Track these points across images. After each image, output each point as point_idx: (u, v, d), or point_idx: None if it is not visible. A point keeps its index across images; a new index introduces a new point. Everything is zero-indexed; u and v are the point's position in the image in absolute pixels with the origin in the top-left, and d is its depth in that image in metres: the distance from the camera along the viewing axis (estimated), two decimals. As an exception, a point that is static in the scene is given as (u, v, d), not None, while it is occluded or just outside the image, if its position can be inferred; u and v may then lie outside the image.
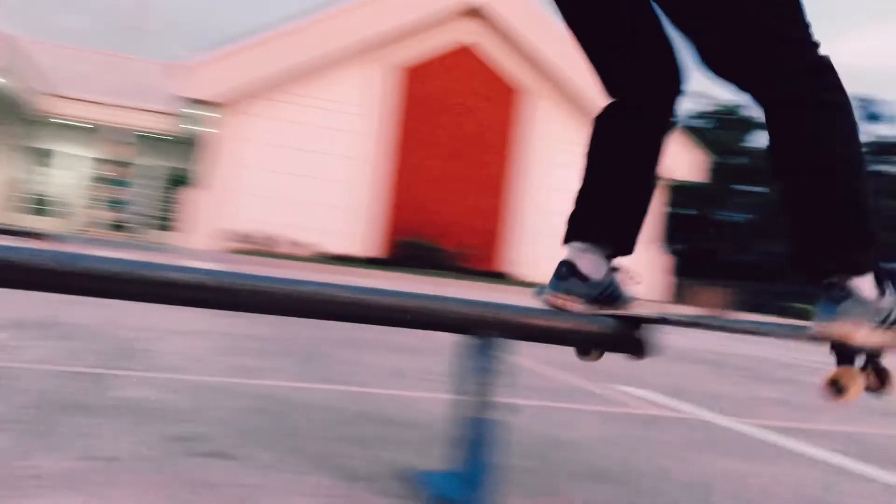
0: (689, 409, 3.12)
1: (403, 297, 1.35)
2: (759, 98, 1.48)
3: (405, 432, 2.11)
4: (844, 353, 1.42)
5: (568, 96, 22.67)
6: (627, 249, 1.68)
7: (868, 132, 43.40)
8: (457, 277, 18.59)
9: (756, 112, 1.56)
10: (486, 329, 1.36)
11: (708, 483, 1.91)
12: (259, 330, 4.12)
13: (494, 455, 1.40)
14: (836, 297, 1.41)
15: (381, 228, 21.83)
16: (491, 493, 1.40)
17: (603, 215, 1.67)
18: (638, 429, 2.60)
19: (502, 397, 1.40)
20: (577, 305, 1.57)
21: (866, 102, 43.24)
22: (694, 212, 42.91)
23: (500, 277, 21.16)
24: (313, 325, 4.41)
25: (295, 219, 20.76)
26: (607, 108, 1.70)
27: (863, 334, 1.37)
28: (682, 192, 26.24)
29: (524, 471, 1.81)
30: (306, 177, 21.14)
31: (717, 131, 43.11)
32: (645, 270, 23.11)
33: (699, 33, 1.49)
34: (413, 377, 3.23)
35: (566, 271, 1.62)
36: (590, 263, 1.63)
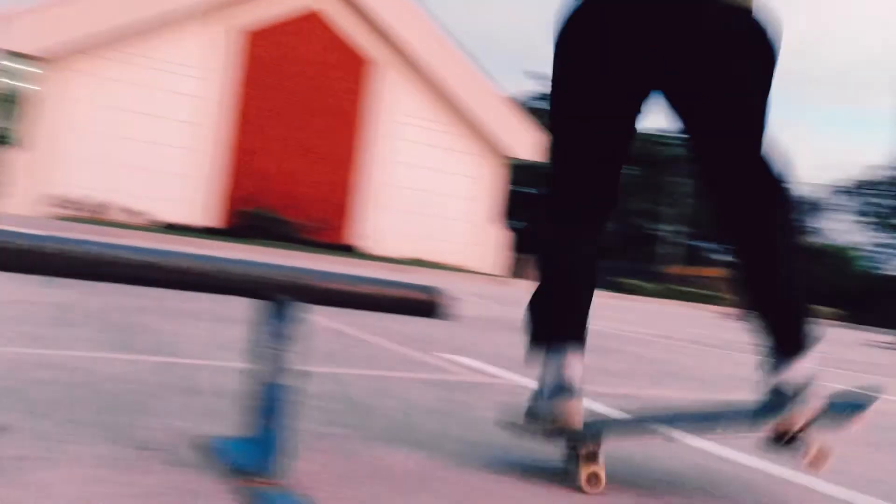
0: (508, 376, 3.24)
1: (193, 260, 1.30)
2: (724, 192, 1.68)
3: (209, 401, 2.05)
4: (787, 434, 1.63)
5: (416, 70, 22.74)
6: (584, 342, 1.76)
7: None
8: (302, 250, 18.31)
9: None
10: (280, 293, 1.34)
11: (509, 444, 1.99)
12: (62, 298, 3.87)
13: (290, 421, 1.38)
14: (784, 391, 1.63)
15: (221, 198, 21.07)
16: (284, 459, 1.39)
17: (576, 316, 1.75)
18: (456, 395, 2.67)
19: (301, 363, 1.39)
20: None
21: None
22: (534, 190, 44.48)
23: (348, 251, 21.05)
24: (124, 293, 4.20)
25: (129, 185, 19.64)
26: (557, 227, 1.79)
27: (807, 418, 1.60)
28: (523, 171, 27.04)
29: (328, 436, 1.81)
30: (142, 141, 20.02)
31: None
32: (487, 247, 23.75)
33: (701, 130, 1.66)
34: (224, 347, 3.15)
35: (567, 380, 1.65)
36: (578, 365, 1.70)
